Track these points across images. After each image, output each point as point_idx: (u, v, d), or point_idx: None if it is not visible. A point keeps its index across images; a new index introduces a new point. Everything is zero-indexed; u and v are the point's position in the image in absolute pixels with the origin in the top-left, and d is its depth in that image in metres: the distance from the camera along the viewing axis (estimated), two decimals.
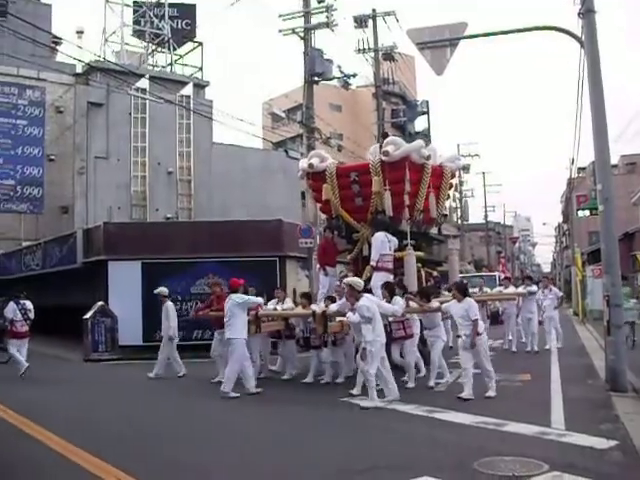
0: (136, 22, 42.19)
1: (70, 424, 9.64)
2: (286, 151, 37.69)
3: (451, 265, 17.69)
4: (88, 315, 19.77)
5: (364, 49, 30.21)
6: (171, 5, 42.98)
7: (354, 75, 26.81)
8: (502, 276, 30.34)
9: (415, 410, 9.95)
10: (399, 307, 11.98)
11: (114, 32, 41.10)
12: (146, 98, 33.16)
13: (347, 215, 15.55)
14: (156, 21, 41.81)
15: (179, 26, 43.43)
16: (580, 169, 44.16)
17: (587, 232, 54.40)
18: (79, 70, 37.98)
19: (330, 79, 26.29)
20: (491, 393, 11.13)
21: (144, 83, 33.42)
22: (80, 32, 42.85)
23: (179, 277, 18.88)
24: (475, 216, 67.43)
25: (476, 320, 11.07)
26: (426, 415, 9.66)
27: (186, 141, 36.34)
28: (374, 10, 30.05)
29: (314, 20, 24.65)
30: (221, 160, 37.79)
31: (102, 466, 7.18)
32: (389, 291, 12.49)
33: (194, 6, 45.29)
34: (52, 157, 37.34)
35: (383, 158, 14.60)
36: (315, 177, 16.10)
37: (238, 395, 11.85)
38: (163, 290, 15.80)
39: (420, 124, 74.53)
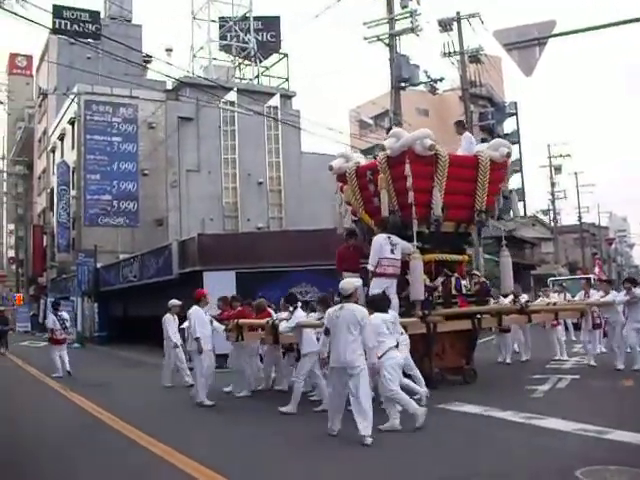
0: (222, 37, 43.15)
1: (172, 429, 9.87)
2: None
3: (503, 269, 15.40)
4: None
5: (450, 52, 29.91)
6: (256, 18, 43.74)
7: (441, 79, 26.69)
8: (596, 278, 29.32)
9: (512, 417, 9.74)
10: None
11: (202, 48, 42.18)
12: (235, 110, 33.81)
13: (368, 217, 14.46)
14: (242, 35, 42.62)
15: (264, 38, 44.15)
16: None
17: None
18: (169, 86, 39.14)
19: (417, 84, 26.21)
20: (388, 425, 9.07)
21: (232, 96, 34.10)
22: (169, 50, 44.10)
23: (272, 286, 19.01)
24: (569, 218, 65.88)
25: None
26: (524, 422, 9.41)
27: (275, 151, 36.85)
28: (458, 13, 29.73)
29: (398, 26, 24.64)
30: (310, 169, 38.09)
31: (198, 468, 7.40)
32: (323, 305, 10.56)
33: (278, 18, 45.98)
34: (146, 172, 38.49)
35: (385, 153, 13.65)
36: (342, 179, 15.04)
37: (213, 403, 12.01)
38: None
39: (509, 126, 73.43)
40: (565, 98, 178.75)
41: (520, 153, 73.62)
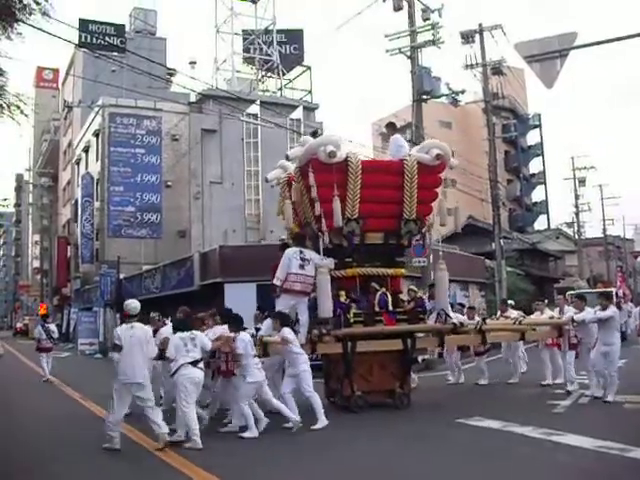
0: (246, 50, 43.38)
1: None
2: None
3: (438, 283, 13.88)
4: None
5: (472, 65, 29.82)
6: (279, 31, 44.00)
7: (462, 92, 26.50)
8: (621, 292, 28.78)
9: (532, 432, 9.65)
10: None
11: (225, 60, 42.43)
12: (257, 123, 33.92)
13: (296, 229, 13.88)
14: (265, 48, 42.84)
15: (287, 51, 44.40)
16: None
17: None
18: (193, 99, 39.37)
19: (439, 97, 26.11)
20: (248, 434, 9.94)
21: (255, 109, 34.25)
22: (193, 62, 44.49)
23: None
24: (593, 231, 65.27)
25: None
26: (544, 438, 9.33)
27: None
28: (480, 25, 29.64)
29: (420, 38, 24.59)
30: None
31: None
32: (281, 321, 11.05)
33: (301, 31, 46.23)
34: (169, 183, 38.72)
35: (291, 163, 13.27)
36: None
37: None
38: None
39: (533, 138, 73.14)
40: (590, 109, 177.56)
41: (544, 165, 73.52)
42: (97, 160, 41.42)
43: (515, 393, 14.75)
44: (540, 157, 73.30)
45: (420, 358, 17.93)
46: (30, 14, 11.69)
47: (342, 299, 12.43)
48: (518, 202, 66.20)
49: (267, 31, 43.40)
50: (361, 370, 12.40)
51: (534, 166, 73.19)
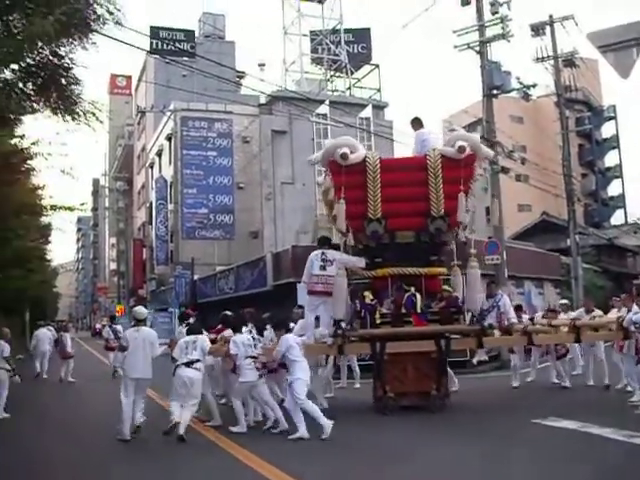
0: (314, 50, 43.64)
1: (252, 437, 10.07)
2: None
3: (470, 280, 12.78)
4: None
5: (543, 57, 29.30)
6: (347, 31, 44.09)
7: (534, 85, 26.07)
8: None
9: (612, 434, 9.36)
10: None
11: (293, 62, 42.76)
12: (327, 123, 34.02)
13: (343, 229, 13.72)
14: (333, 47, 43.00)
15: (355, 50, 44.46)
16: None
17: None
18: (262, 101, 39.73)
19: (509, 91, 25.71)
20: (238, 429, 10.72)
21: (324, 109, 34.36)
22: (262, 65, 45.03)
23: None
24: None
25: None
26: (624, 440, 9.04)
27: None
28: (551, 16, 29.08)
29: (489, 32, 24.26)
30: None
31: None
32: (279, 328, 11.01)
33: (369, 30, 46.25)
34: (241, 185, 39.25)
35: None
36: None
37: None
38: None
39: (608, 131, 71.30)
40: None
41: (620, 158, 71.55)
42: (170, 163, 42.22)
43: (593, 394, 14.38)
44: (616, 150, 71.44)
45: (475, 360, 17.37)
46: (104, 24, 12.00)
47: (368, 300, 12.32)
48: (594, 197, 64.67)
49: (334, 31, 43.57)
50: (395, 371, 12.19)
51: (610, 159, 71.37)
